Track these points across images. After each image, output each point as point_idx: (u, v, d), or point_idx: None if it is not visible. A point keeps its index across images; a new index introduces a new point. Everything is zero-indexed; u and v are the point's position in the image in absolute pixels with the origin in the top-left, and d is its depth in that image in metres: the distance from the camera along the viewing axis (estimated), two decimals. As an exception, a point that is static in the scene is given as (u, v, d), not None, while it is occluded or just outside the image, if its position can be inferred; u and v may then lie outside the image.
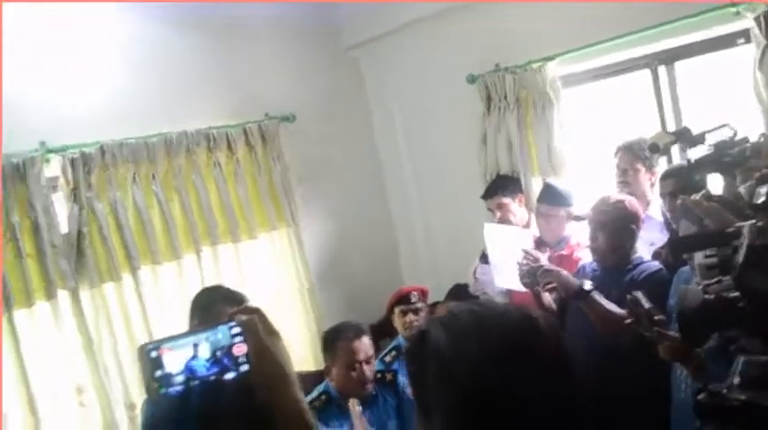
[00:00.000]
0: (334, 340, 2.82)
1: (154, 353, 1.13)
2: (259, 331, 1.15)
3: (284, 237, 3.89)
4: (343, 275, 4.20)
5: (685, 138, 2.57)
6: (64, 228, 3.08)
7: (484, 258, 3.52)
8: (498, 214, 3.58)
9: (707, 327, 1.57)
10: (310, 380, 3.34)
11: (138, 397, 3.06)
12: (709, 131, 2.58)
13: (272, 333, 1.19)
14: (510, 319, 0.98)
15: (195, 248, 3.46)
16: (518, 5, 3.70)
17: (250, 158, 3.76)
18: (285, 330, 4.10)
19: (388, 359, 3.27)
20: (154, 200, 3.35)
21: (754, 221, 1.45)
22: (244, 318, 1.16)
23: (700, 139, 2.58)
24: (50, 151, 3.03)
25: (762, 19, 2.89)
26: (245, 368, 1.13)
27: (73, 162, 3.07)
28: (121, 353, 3.15)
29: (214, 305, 2.53)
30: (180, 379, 1.13)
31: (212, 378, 1.13)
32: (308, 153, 4.11)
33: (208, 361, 1.14)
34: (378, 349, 3.19)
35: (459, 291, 3.77)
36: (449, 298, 3.77)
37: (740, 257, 1.39)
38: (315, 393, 2.89)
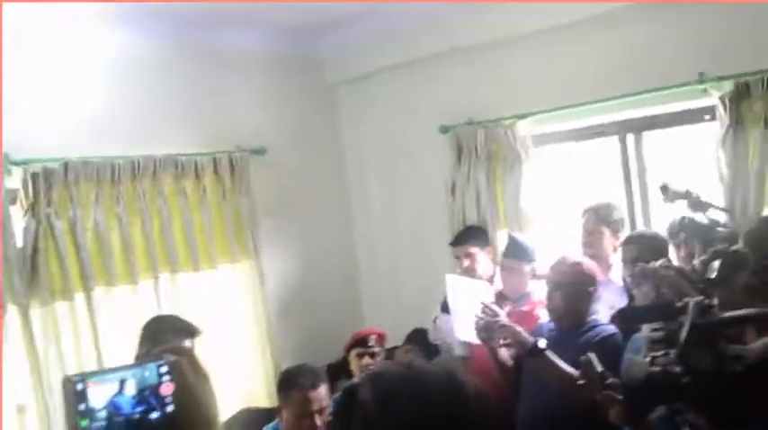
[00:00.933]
0: (290, 386, 2.76)
1: (80, 386, 1.11)
2: (186, 372, 1.13)
3: (246, 269, 3.84)
4: (304, 312, 4.14)
5: (692, 200, 2.69)
6: (20, 242, 3.01)
7: (445, 307, 3.50)
8: (465, 263, 3.55)
9: (652, 399, 1.57)
10: (262, 415, 3.28)
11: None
12: (713, 206, 2.71)
13: (201, 374, 1.17)
14: (434, 387, 0.96)
15: (153, 273, 3.41)
16: (495, 62, 3.77)
17: (217, 188, 3.72)
18: (240, 364, 3.99)
19: (342, 401, 3.21)
20: (115, 221, 3.31)
21: (700, 299, 1.47)
22: (172, 358, 1.14)
23: (703, 207, 2.69)
24: (13, 163, 2.98)
25: (726, 99, 2.96)
26: (170, 409, 1.11)
27: (34, 176, 3.02)
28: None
29: (163, 334, 2.48)
30: (103, 414, 1.10)
31: (136, 416, 1.11)
32: (276, 186, 4.08)
33: (134, 398, 1.11)
34: (333, 390, 3.14)
35: (418, 336, 3.74)
36: (407, 342, 3.73)
37: (683, 334, 1.41)
38: (265, 430, 2.84)
